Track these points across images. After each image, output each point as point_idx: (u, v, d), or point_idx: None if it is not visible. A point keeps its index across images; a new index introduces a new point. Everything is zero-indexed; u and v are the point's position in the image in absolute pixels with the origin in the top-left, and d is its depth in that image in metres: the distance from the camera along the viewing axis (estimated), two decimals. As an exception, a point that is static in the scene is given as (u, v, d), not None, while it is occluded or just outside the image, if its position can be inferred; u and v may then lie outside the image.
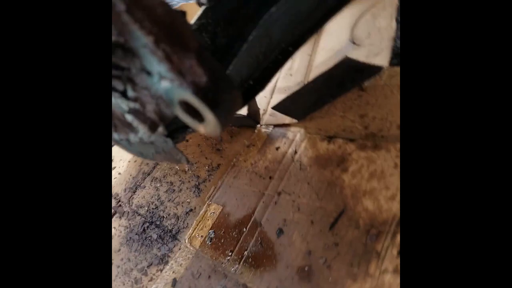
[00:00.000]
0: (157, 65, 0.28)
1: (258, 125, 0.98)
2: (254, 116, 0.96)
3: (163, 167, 0.96)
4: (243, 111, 0.96)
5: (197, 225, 0.79)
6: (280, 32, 0.51)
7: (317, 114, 0.90)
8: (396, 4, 0.90)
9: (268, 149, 0.91)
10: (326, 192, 0.76)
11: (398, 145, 0.76)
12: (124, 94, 0.35)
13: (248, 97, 0.52)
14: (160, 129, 0.36)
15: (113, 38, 0.29)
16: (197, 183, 0.87)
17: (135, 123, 0.36)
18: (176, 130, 0.46)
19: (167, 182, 0.90)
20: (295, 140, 0.89)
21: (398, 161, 0.76)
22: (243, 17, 0.52)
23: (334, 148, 0.82)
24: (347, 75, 0.80)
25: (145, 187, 0.92)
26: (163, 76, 0.28)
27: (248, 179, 0.85)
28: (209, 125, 0.29)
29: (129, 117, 0.36)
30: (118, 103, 0.42)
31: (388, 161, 0.76)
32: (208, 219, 0.79)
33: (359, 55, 0.86)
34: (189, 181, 0.88)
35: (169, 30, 0.27)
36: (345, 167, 0.78)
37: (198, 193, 0.84)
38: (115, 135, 0.52)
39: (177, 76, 0.27)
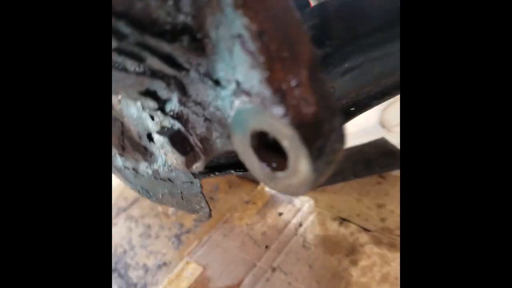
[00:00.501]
0: (243, 71, 0.18)
1: (262, 182, 0.88)
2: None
3: (143, 205, 0.82)
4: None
5: (169, 284, 0.64)
6: (345, 87, 0.43)
7: (331, 189, 0.81)
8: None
9: (269, 212, 0.80)
10: (330, 283, 0.64)
11: (418, 250, 0.67)
12: (161, 106, 0.25)
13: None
14: (198, 165, 0.26)
15: (180, 19, 0.20)
16: (179, 233, 0.74)
17: (165, 149, 0.25)
18: (206, 169, 0.35)
19: (144, 225, 0.77)
20: (302, 210, 0.79)
21: (416, 269, 0.66)
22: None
23: (345, 233, 0.72)
24: (379, 158, 0.73)
25: (116, 224, 0.77)
26: (246, 90, 0.19)
27: (241, 242, 0.73)
28: (293, 178, 0.19)
29: (158, 139, 0.26)
30: (142, 118, 0.31)
31: (405, 266, 0.66)
32: (183, 280, 0.65)
33: (390, 141, 0.80)
34: (170, 228, 0.75)
35: (279, 23, 0.17)
36: (355, 259, 0.68)
37: (178, 245, 0.71)
38: (118, 161, 0.40)
39: (273, 94, 0.17)
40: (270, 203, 0.82)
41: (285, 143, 0.18)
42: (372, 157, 0.75)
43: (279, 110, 0.18)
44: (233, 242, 0.72)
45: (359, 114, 0.44)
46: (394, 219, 0.74)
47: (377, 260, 0.67)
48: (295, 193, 0.20)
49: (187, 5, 0.18)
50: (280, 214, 0.78)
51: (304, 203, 0.80)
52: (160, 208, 0.80)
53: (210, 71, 0.21)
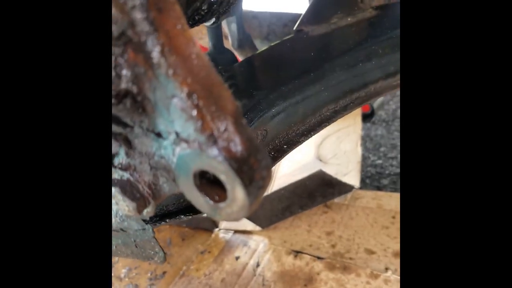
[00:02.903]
0: (180, 124, 0.22)
1: (216, 229, 0.89)
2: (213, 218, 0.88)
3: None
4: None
5: None
6: (276, 128, 0.49)
7: (282, 225, 0.85)
8: (359, 132, 0.98)
9: (226, 258, 0.80)
10: (293, 317, 0.65)
11: (368, 270, 0.72)
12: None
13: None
14: (148, 210, 0.28)
15: (122, 85, 0.24)
16: None
17: (116, 198, 0.28)
18: (157, 218, 0.37)
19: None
20: (257, 250, 0.80)
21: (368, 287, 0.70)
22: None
23: (301, 264, 0.75)
24: (319, 188, 0.79)
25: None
26: (184, 139, 0.22)
27: (200, 293, 0.71)
28: (233, 205, 0.23)
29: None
30: None
31: (359, 286, 0.70)
32: None
33: (328, 172, 0.88)
34: None
35: (204, 85, 0.22)
36: (313, 287, 0.70)
37: (136, 306, 0.67)
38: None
39: (207, 139, 0.21)
40: (226, 248, 0.83)
41: (222, 177, 0.22)
42: (314, 189, 0.81)
43: (213, 151, 0.22)
44: (193, 295, 0.71)
45: (291, 151, 0.50)
46: (343, 244, 0.79)
47: (333, 285, 0.70)
48: (236, 218, 0.23)
49: (127, 74, 0.22)
50: (237, 258, 0.79)
51: (259, 243, 0.82)
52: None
53: (152, 126, 0.24)
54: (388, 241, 0.76)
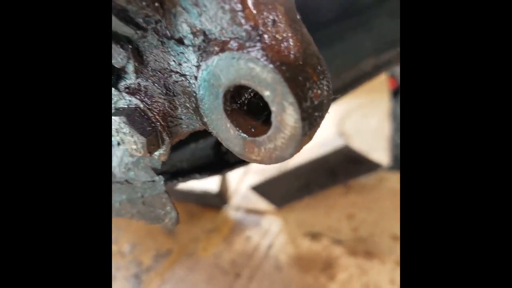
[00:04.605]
0: (211, 15, 0.15)
1: (225, 206, 0.83)
2: (223, 195, 0.81)
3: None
4: (209, 185, 0.81)
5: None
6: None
7: (298, 205, 0.78)
8: (386, 108, 0.90)
9: (236, 237, 0.74)
10: (309, 304, 0.59)
11: (393, 257, 0.65)
12: (114, 81, 0.20)
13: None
14: (162, 152, 0.21)
15: None
16: (138, 272, 0.66)
17: (122, 132, 0.20)
18: (168, 175, 0.30)
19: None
20: (270, 230, 0.74)
21: (394, 276, 0.63)
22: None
23: (318, 248, 0.68)
24: (343, 165, 0.72)
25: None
26: (215, 39, 0.15)
27: (208, 274, 0.66)
28: (278, 136, 0.15)
29: (113, 121, 0.21)
30: None
31: (383, 274, 0.63)
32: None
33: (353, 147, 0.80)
34: (127, 268, 0.67)
35: None
36: (332, 273, 0.64)
37: (138, 285, 0.62)
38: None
39: (248, 34, 0.14)
40: (236, 228, 0.76)
41: (266, 94, 0.15)
42: (337, 166, 0.73)
43: (257, 51, 0.14)
44: (199, 276, 0.65)
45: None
46: (365, 228, 0.72)
47: (354, 272, 0.64)
48: (281, 157, 0.16)
49: None
50: (248, 238, 0.73)
51: (273, 224, 0.76)
52: (114, 247, 0.71)
53: (171, 28, 0.17)
54: (417, 227, 0.69)
